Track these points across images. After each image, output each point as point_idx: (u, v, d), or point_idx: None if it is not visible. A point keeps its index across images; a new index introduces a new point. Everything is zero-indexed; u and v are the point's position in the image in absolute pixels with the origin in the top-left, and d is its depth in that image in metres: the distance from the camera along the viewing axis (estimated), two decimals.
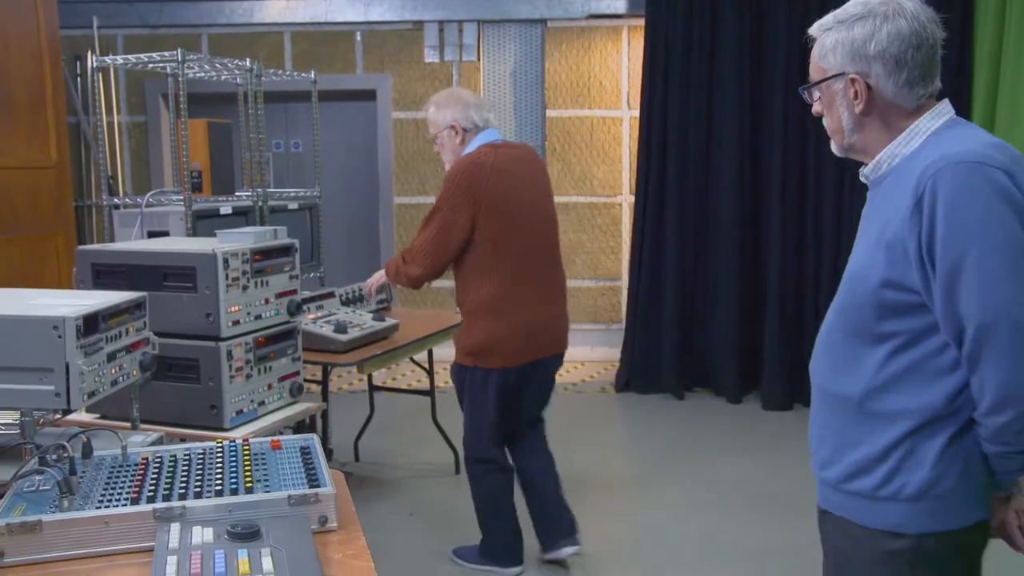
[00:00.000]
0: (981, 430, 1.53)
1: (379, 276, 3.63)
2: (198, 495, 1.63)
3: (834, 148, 1.71)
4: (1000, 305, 1.43)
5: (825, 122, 1.70)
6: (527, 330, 3.25)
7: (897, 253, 1.52)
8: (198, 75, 4.12)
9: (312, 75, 4.47)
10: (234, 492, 1.64)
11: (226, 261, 2.64)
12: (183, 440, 3.17)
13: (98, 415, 2.82)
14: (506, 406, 3.32)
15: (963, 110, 5.09)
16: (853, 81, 1.60)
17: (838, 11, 1.62)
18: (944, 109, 1.61)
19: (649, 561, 3.63)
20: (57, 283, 4.53)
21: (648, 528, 3.93)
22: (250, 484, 1.68)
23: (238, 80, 4.43)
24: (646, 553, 3.70)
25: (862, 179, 1.69)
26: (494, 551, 3.49)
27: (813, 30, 1.67)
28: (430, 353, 4.43)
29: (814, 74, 1.67)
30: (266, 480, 1.71)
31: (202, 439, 2.75)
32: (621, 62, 6.65)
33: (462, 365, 3.37)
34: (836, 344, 1.67)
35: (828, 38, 1.63)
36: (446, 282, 6.87)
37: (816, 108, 1.70)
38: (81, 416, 2.79)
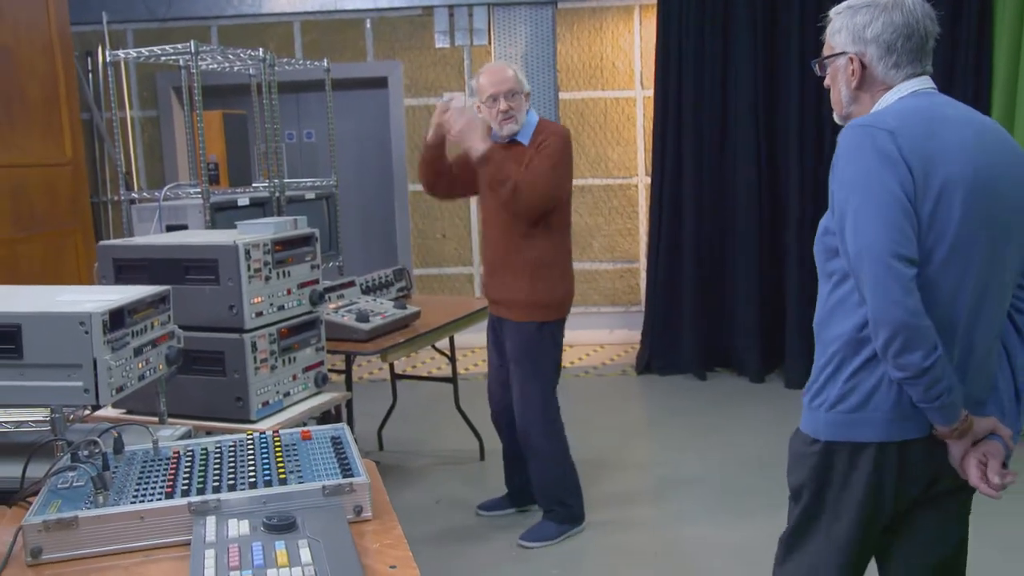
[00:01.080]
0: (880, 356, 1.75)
1: (477, 143, 3.24)
2: (232, 488, 1.62)
3: (836, 118, 1.94)
4: (866, 243, 1.69)
5: (831, 95, 1.93)
6: (572, 284, 3.56)
7: (831, 204, 1.81)
8: (211, 67, 4.10)
9: (325, 63, 4.45)
10: (268, 484, 1.63)
11: (248, 252, 2.63)
12: (210, 433, 3.18)
13: (125, 410, 2.82)
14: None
15: (983, 107, 5.04)
16: (852, 60, 1.84)
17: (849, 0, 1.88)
18: (909, 85, 1.83)
19: (672, 543, 3.61)
20: (77, 279, 4.54)
21: (671, 509, 3.91)
22: (283, 475, 1.67)
23: (251, 71, 4.41)
24: (668, 535, 3.68)
25: None
26: (574, 512, 3.60)
27: (832, 12, 1.91)
28: (451, 340, 4.41)
29: (826, 50, 1.91)
30: (299, 471, 1.70)
31: (229, 432, 2.74)
32: (633, 42, 6.59)
33: (543, 322, 3.43)
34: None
35: (838, 20, 1.88)
36: (463, 269, 6.86)
37: (826, 81, 1.93)
38: (108, 412, 2.78)
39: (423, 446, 4.77)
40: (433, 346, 4.34)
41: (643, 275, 6.56)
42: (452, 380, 4.52)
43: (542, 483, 3.58)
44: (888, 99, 1.83)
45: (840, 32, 1.86)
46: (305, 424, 3.49)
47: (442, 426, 4.91)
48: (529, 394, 3.48)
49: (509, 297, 3.45)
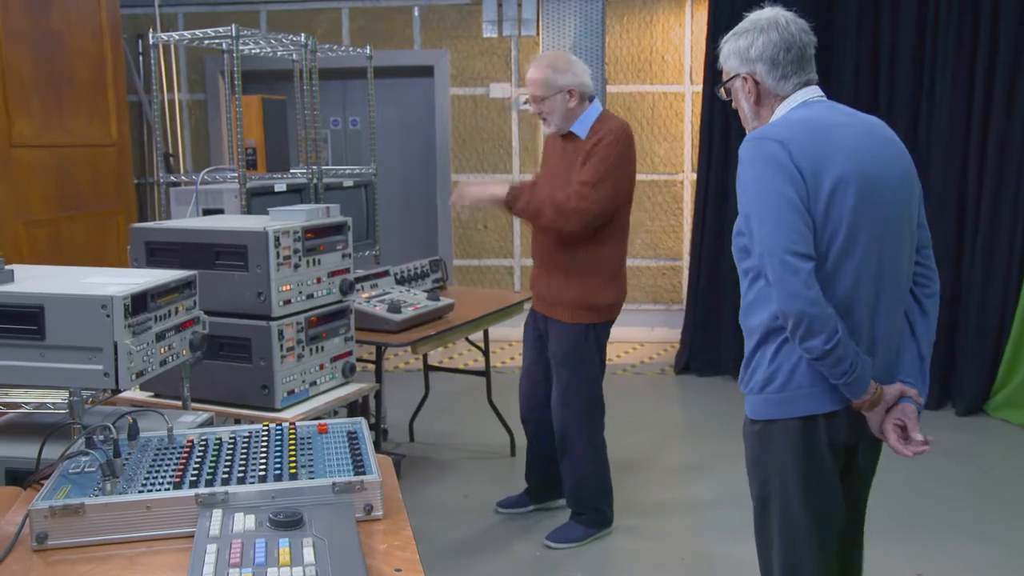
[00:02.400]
0: None
1: (492, 196, 3.28)
2: (241, 480, 1.59)
3: (748, 132, 2.11)
4: (767, 244, 1.90)
5: (739, 114, 2.14)
6: (625, 286, 3.50)
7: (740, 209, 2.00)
8: (253, 51, 4.10)
9: (367, 50, 4.42)
10: (278, 478, 1.60)
11: (277, 239, 2.61)
12: (238, 421, 3.17)
13: (152, 393, 2.82)
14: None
15: None
16: (745, 79, 2.07)
17: (735, 28, 2.10)
18: (797, 96, 2.04)
19: (701, 555, 3.53)
20: (118, 260, 4.58)
21: (703, 519, 3.82)
22: (294, 470, 1.63)
23: (293, 56, 4.40)
24: (698, 547, 3.60)
25: None
26: (605, 516, 3.54)
27: (721, 42, 2.14)
28: (486, 333, 4.37)
29: (724, 76, 2.14)
30: (311, 466, 1.66)
31: (253, 419, 2.73)
32: (684, 35, 6.48)
33: (589, 324, 3.37)
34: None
35: (726, 48, 2.11)
36: (504, 261, 6.81)
37: (733, 104, 2.14)
38: (135, 394, 2.79)
39: (454, 439, 4.74)
40: (467, 339, 4.30)
41: (686, 273, 6.46)
42: (485, 374, 4.48)
43: (575, 486, 3.50)
44: (780, 111, 2.04)
45: (730, 57, 2.09)
46: (335, 414, 3.48)
47: (474, 420, 4.87)
48: (571, 396, 3.41)
49: (558, 296, 3.37)
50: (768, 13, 2.07)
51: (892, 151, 2.01)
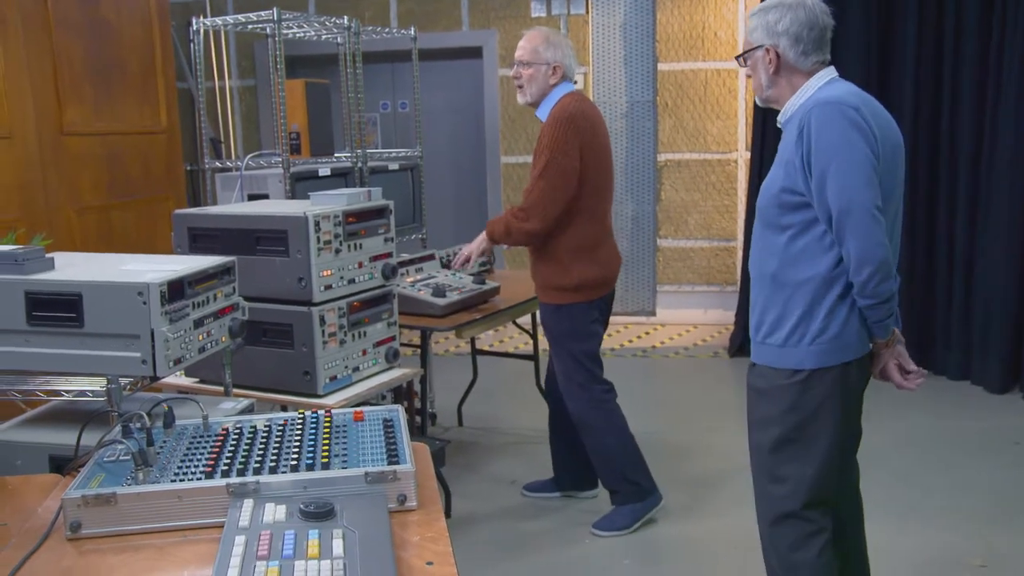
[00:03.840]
0: (854, 289, 2.14)
1: (480, 242, 3.47)
2: (273, 470, 1.56)
3: (757, 100, 2.36)
4: (852, 197, 2.08)
5: (752, 83, 2.33)
6: (611, 265, 3.45)
7: (790, 167, 2.17)
8: (298, 35, 4.08)
9: (412, 32, 4.38)
10: (310, 467, 1.57)
11: (317, 224, 2.59)
12: (284, 408, 3.18)
13: (197, 379, 2.83)
14: (599, 336, 3.45)
15: None
16: (768, 51, 2.24)
17: (763, 2, 2.28)
18: (827, 73, 2.25)
19: (753, 538, 3.44)
20: (168, 246, 4.60)
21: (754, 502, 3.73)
22: (327, 459, 1.60)
23: (339, 40, 4.38)
24: (750, 529, 3.51)
25: (778, 125, 2.30)
26: (642, 487, 3.47)
27: (748, 15, 2.35)
28: (533, 316, 4.32)
29: (744, 46, 2.31)
30: (344, 455, 1.63)
31: (296, 405, 2.72)
32: (737, 10, 6.31)
33: (560, 304, 3.36)
34: (758, 236, 2.30)
35: (753, 20, 2.28)
36: None
37: (747, 72, 2.32)
38: (180, 380, 2.80)
39: (502, 423, 4.70)
40: (515, 322, 4.25)
41: (739, 254, 6.32)
42: (534, 358, 4.43)
43: (599, 460, 3.47)
44: (814, 84, 2.23)
45: (756, 30, 2.26)
46: (384, 398, 3.46)
47: (522, 404, 4.83)
48: (564, 375, 3.43)
49: (535, 279, 3.44)
50: None
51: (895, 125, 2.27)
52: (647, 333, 6.45)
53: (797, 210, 2.18)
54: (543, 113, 3.30)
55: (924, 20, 5.24)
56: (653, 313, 6.66)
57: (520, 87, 3.33)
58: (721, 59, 6.37)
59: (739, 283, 6.12)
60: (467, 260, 3.48)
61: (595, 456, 3.47)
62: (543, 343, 4.53)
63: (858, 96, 2.18)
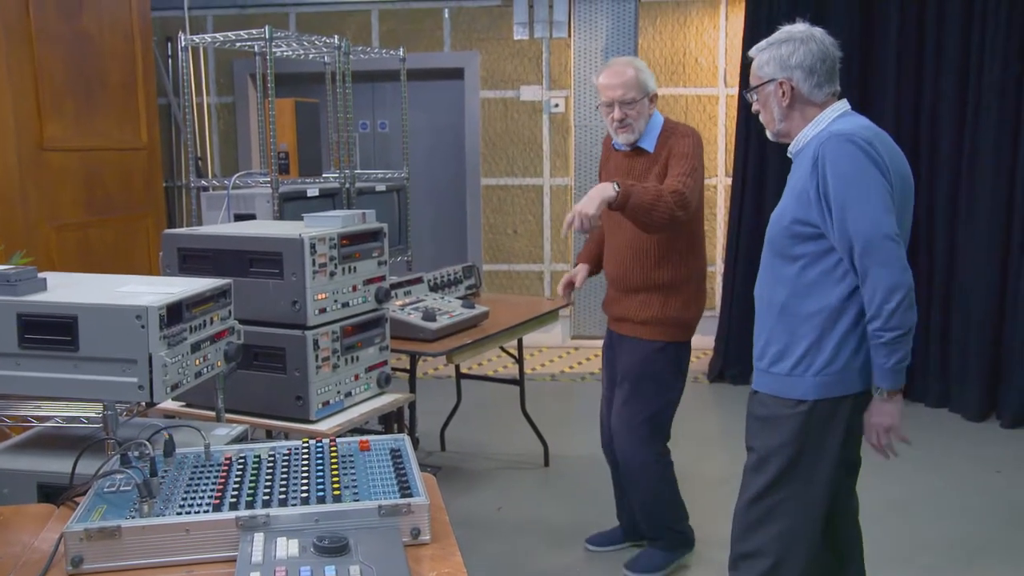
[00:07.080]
0: (875, 322, 2.12)
1: (599, 200, 2.74)
2: (283, 502, 1.52)
3: (768, 134, 2.36)
4: (873, 226, 2.09)
5: (761, 117, 2.33)
6: (704, 302, 3.25)
7: (803, 199, 2.18)
8: (285, 54, 4.04)
9: (400, 52, 4.35)
10: (321, 500, 1.52)
11: (313, 246, 2.54)
12: (270, 433, 3.11)
13: (184, 403, 2.76)
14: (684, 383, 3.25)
15: None
16: (781, 84, 2.25)
17: (769, 38, 2.29)
18: (840, 105, 2.27)
19: None
20: (147, 264, 4.53)
21: None
22: (338, 491, 1.56)
23: (325, 59, 4.34)
24: None
25: (789, 155, 2.32)
26: (686, 536, 3.36)
27: (752, 52, 2.32)
28: (520, 341, 4.28)
29: (753, 82, 2.31)
30: (355, 486, 1.58)
31: (287, 431, 2.66)
32: (718, 37, 6.37)
33: (667, 342, 3.11)
34: (767, 265, 2.31)
35: (763, 55, 2.28)
36: (534, 266, 6.73)
37: (755, 107, 2.33)
38: (167, 404, 2.73)
39: (486, 449, 4.65)
40: (502, 348, 4.22)
41: (719, 280, 6.34)
42: (519, 382, 4.39)
43: (646, 509, 3.30)
44: (828, 116, 2.25)
45: (768, 64, 2.26)
46: (374, 423, 3.40)
47: (507, 429, 4.78)
48: (634, 417, 3.18)
49: (632, 315, 3.15)
50: (801, 27, 2.28)
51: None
52: None
53: (809, 240, 2.19)
54: (648, 143, 3.07)
55: (904, 32, 5.31)
56: None
57: (627, 127, 3.04)
58: (702, 85, 6.42)
59: (718, 308, 6.13)
60: (586, 219, 2.75)
61: (640, 503, 3.29)
62: (528, 364, 4.49)
63: (871, 130, 2.20)
